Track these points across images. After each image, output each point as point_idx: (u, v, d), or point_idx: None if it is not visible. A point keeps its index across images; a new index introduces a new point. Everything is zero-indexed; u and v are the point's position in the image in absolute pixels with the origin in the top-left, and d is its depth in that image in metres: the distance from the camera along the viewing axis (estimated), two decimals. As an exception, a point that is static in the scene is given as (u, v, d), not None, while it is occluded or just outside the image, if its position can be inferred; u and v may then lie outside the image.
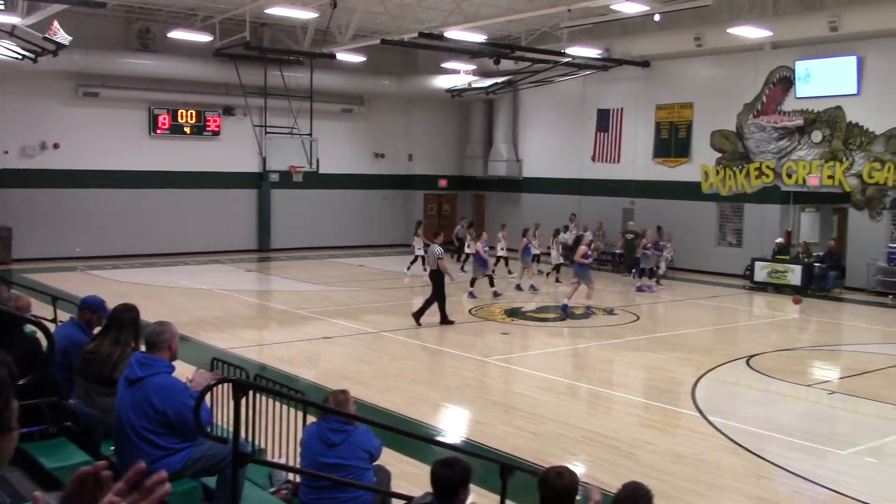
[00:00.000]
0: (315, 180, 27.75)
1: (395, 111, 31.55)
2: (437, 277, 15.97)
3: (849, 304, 19.97)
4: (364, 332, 15.47)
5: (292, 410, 7.09)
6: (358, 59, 26.12)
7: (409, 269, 24.00)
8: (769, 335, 16.45)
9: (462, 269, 23.60)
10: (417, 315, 15.86)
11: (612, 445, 8.82)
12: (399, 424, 9.07)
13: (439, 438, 9.11)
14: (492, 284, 20.35)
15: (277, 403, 7.16)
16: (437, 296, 15.93)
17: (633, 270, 22.52)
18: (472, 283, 20.06)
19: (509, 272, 23.16)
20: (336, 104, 29.37)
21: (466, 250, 23.37)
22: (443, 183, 32.75)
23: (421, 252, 23.00)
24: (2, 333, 6.36)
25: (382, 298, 19.75)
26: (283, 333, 15.53)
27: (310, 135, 26.40)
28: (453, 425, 10.09)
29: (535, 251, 21.65)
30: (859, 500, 7.53)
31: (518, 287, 20.88)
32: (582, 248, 17.86)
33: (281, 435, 7.03)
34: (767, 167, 23.48)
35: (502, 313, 17.64)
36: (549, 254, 22.76)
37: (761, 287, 21.73)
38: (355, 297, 19.80)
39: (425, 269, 17.85)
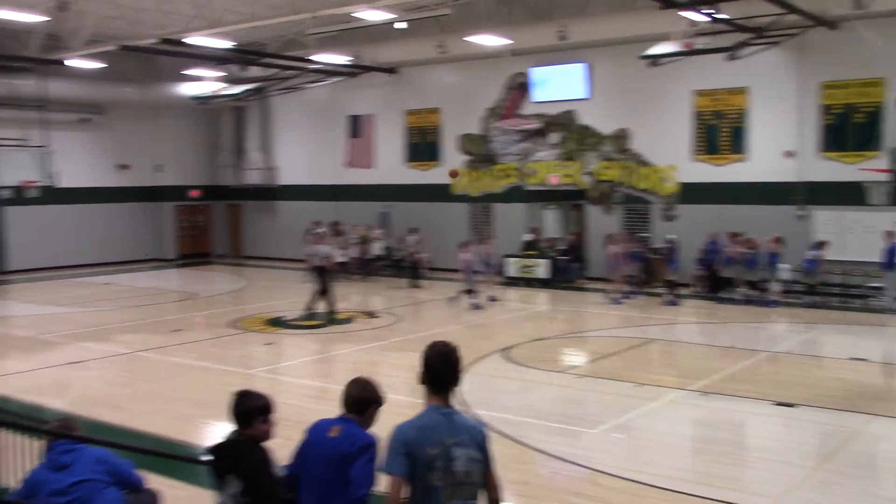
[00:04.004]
0: (54, 195, 25.84)
1: (139, 120, 30.05)
2: (325, 273, 17.89)
3: (591, 293, 21.48)
4: (118, 353, 14.64)
5: (40, 444, 6.58)
6: (95, 65, 24.64)
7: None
8: (523, 327, 17.36)
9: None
10: (330, 311, 17.61)
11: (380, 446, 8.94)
12: (164, 448, 8.68)
13: (207, 458, 8.81)
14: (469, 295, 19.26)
15: (25, 438, 6.62)
16: (326, 289, 17.85)
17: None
18: (469, 292, 19.18)
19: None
20: (73, 113, 27.54)
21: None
22: (194, 193, 31.63)
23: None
24: None
25: (136, 317, 18.76)
26: (26, 361, 14.32)
27: (45, 147, 24.58)
28: (220, 439, 9.79)
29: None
30: (609, 474, 8.15)
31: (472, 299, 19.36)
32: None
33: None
34: (512, 168, 24.79)
35: (264, 323, 17.36)
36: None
37: (513, 282, 22.90)
38: (106, 318, 18.66)
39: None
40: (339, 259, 21.47)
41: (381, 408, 4.62)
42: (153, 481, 6.67)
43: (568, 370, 13.44)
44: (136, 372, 13.36)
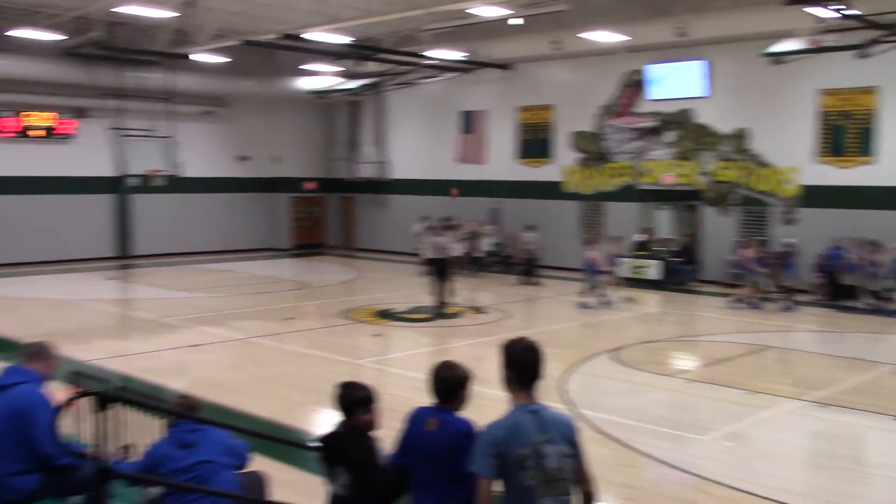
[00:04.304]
0: (177, 184, 26.92)
1: (259, 113, 30.96)
2: (445, 265, 18.12)
3: (704, 297, 20.95)
4: (233, 338, 15.13)
5: (161, 422, 6.85)
6: (219, 59, 25.51)
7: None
8: (632, 328, 17.07)
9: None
10: (443, 303, 17.83)
11: (487, 442, 8.94)
12: (274, 431, 8.91)
13: (314, 444, 9.01)
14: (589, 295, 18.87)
15: (145, 415, 6.90)
16: (445, 280, 18.04)
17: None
18: (590, 290, 18.88)
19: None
20: (197, 106, 28.58)
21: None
22: (309, 185, 32.40)
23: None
24: None
25: (251, 304, 19.36)
26: (149, 343, 14.99)
27: (170, 137, 25.62)
28: (328, 430, 9.99)
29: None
30: (718, 482, 7.93)
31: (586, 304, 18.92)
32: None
33: (150, 448, 6.77)
34: (625, 167, 24.39)
35: (373, 315, 17.61)
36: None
37: (623, 282, 22.49)
38: (223, 303, 19.33)
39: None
40: (455, 253, 21.38)
41: (470, 386, 4.62)
42: (263, 464, 6.86)
43: (678, 374, 13.13)
44: (250, 357, 13.77)
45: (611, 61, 24.14)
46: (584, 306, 18.62)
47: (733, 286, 21.02)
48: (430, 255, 18.55)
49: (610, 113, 24.67)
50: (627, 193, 24.43)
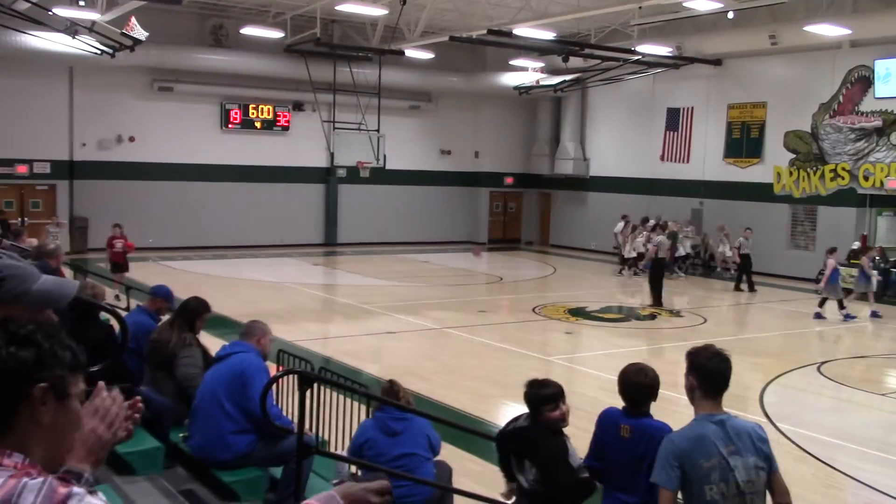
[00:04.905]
0: (382, 176, 27.92)
1: (463, 108, 31.51)
2: (659, 266, 18.62)
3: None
4: (428, 328, 15.52)
5: (356, 404, 7.14)
6: (427, 55, 26.18)
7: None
8: (841, 341, 16.02)
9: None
10: (656, 300, 18.13)
11: (677, 449, 8.67)
12: (462, 421, 9.06)
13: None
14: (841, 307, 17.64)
15: (342, 397, 7.22)
16: (654, 281, 18.39)
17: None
18: (824, 301, 17.66)
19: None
20: (404, 101, 29.47)
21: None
22: (509, 180, 32.64)
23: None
24: (78, 321, 6.57)
25: (446, 295, 19.78)
26: (348, 327, 15.68)
27: (377, 131, 26.58)
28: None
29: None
30: (935, 515, 7.29)
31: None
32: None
33: (345, 428, 7.08)
34: (843, 169, 22.84)
35: (566, 312, 17.52)
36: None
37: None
38: (420, 293, 19.88)
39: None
40: (662, 255, 20.55)
41: (657, 388, 4.48)
42: (450, 452, 6.99)
43: (891, 394, 12.18)
44: (443, 347, 14.08)
45: (832, 56, 22.67)
46: (819, 316, 17.49)
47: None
48: (632, 254, 18.21)
49: (829, 111, 23.17)
50: (845, 198, 22.86)
